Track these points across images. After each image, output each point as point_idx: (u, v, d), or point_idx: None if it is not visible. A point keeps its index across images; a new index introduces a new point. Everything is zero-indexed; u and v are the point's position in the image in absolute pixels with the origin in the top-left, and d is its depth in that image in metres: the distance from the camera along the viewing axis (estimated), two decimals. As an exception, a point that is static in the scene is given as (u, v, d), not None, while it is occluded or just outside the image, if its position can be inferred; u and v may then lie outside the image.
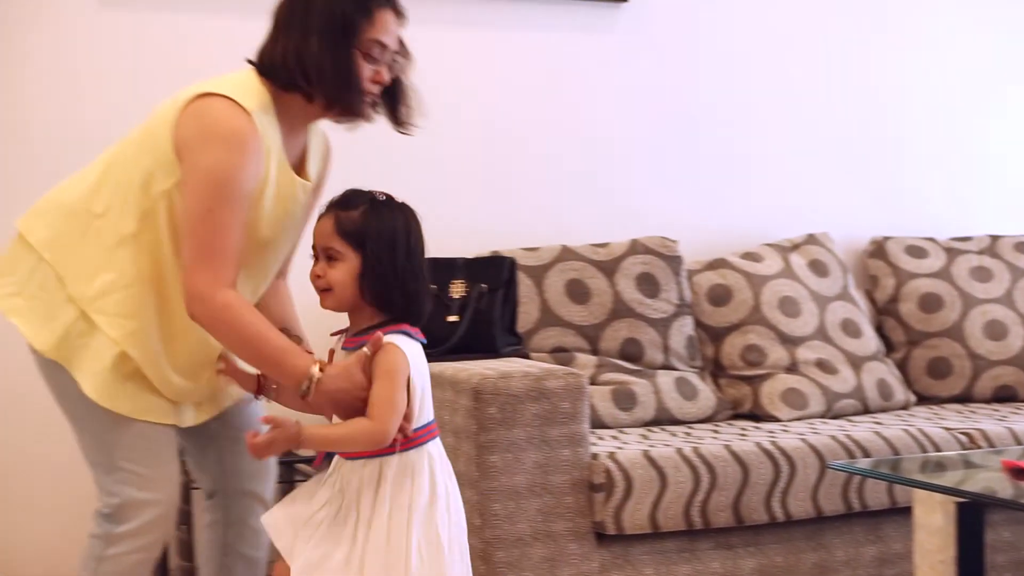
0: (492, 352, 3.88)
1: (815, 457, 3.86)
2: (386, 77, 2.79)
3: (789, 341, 4.53)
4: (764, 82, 5.14)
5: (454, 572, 2.66)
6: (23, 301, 2.81)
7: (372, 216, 2.64)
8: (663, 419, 4.31)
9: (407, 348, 2.62)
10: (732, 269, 4.63)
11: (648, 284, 4.43)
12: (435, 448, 2.70)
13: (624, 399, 4.25)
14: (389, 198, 2.72)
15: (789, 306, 4.59)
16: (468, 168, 4.69)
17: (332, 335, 2.78)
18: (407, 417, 2.61)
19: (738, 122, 5.09)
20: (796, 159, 5.18)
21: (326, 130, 3.02)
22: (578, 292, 4.36)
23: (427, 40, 4.58)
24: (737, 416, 4.47)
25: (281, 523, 2.70)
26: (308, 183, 2.85)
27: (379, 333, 2.61)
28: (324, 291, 2.65)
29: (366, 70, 2.74)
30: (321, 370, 2.60)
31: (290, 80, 2.71)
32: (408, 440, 2.62)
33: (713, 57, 5.06)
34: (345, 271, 2.62)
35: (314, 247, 2.67)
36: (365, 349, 2.61)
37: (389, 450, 2.61)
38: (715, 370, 4.57)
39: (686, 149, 5.01)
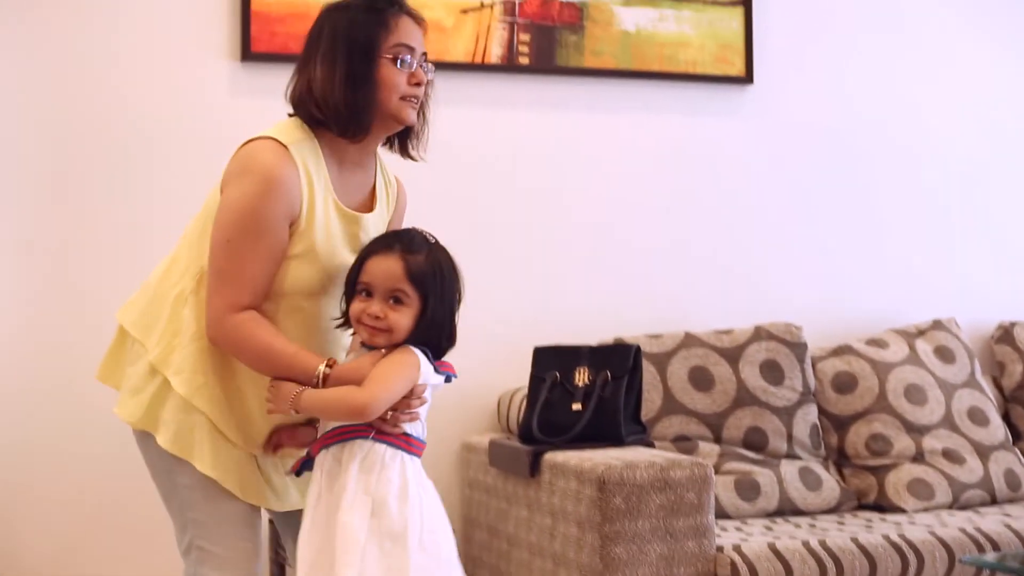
0: (617, 441, 3.85)
1: (944, 550, 3.79)
2: (424, 77, 2.82)
3: (915, 430, 4.47)
4: (889, 165, 5.11)
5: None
6: (123, 385, 2.90)
7: (434, 262, 2.70)
8: (786, 509, 4.26)
9: (422, 361, 2.67)
10: (857, 356, 4.59)
11: (772, 371, 4.40)
12: (412, 463, 2.70)
13: (747, 489, 4.21)
14: (437, 240, 2.77)
15: (915, 394, 4.53)
16: (590, 253, 4.71)
17: (348, 353, 2.83)
18: (404, 409, 2.66)
19: (863, 205, 5.07)
20: (922, 243, 5.14)
21: (402, 183, 3.08)
22: (702, 379, 4.34)
23: (551, 123, 4.66)
24: (862, 507, 4.40)
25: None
26: (360, 215, 2.85)
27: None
28: (380, 331, 2.67)
29: (400, 75, 2.78)
30: (330, 367, 2.67)
31: (308, 113, 2.78)
32: (385, 435, 2.66)
33: (838, 139, 5.05)
34: (409, 316, 2.67)
35: (369, 284, 2.69)
36: (382, 350, 2.67)
37: (364, 432, 2.64)
38: (839, 459, 4.51)
39: (810, 232, 4.99)
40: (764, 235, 4.93)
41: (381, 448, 2.65)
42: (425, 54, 2.84)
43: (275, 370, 2.72)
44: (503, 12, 4.57)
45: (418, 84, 2.80)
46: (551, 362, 4.04)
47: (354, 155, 2.85)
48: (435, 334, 2.71)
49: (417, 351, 2.68)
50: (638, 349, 4.00)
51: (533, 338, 4.21)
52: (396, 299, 2.66)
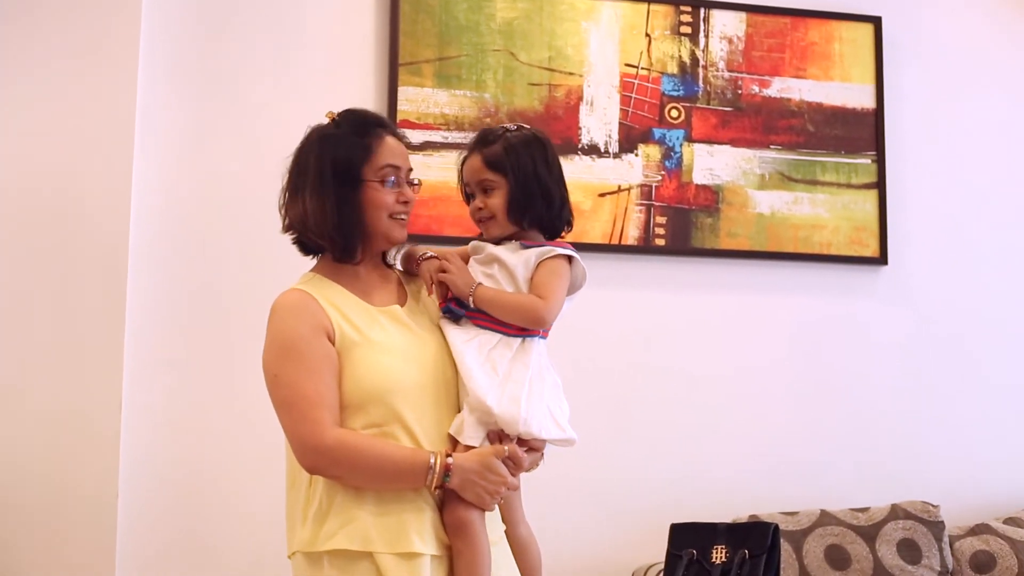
0: (754, 620, 3.86)
1: None
2: (411, 195, 2.88)
3: (1057, 611, 4.43)
4: (1024, 344, 5.13)
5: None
6: None
7: (507, 143, 2.88)
8: None
9: (569, 251, 2.86)
10: (995, 535, 4.56)
11: (910, 550, 4.39)
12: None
13: (886, 669, 4.19)
14: (520, 127, 2.94)
15: (1056, 574, 4.49)
16: (725, 430, 4.75)
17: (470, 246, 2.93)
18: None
19: (1000, 383, 5.06)
20: (1060, 421, 5.11)
21: None
22: (838, 558, 4.34)
23: (687, 303, 4.72)
24: None
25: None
26: (398, 306, 2.87)
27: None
28: (487, 220, 2.88)
29: (388, 195, 2.82)
30: (448, 455, 2.66)
31: (307, 241, 2.85)
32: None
33: (972, 318, 5.07)
34: (501, 197, 2.86)
35: (468, 185, 2.91)
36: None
37: (535, 332, 2.82)
38: (978, 641, 4.47)
39: (945, 411, 4.99)
40: (899, 414, 4.93)
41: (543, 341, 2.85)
42: (411, 170, 2.90)
43: (393, 474, 2.67)
44: (640, 196, 4.69)
45: (406, 202, 2.86)
46: (688, 539, 4.05)
47: (365, 271, 2.90)
48: (538, 206, 2.87)
49: (559, 250, 2.84)
50: (776, 527, 4.01)
51: (669, 514, 4.24)
52: (486, 188, 2.87)
